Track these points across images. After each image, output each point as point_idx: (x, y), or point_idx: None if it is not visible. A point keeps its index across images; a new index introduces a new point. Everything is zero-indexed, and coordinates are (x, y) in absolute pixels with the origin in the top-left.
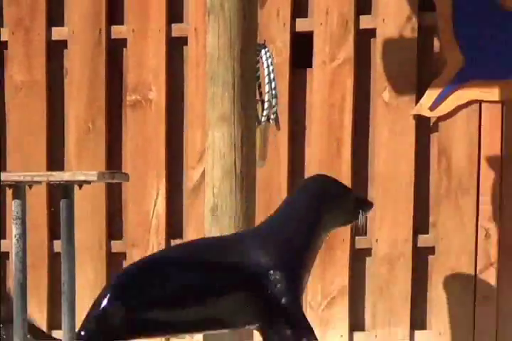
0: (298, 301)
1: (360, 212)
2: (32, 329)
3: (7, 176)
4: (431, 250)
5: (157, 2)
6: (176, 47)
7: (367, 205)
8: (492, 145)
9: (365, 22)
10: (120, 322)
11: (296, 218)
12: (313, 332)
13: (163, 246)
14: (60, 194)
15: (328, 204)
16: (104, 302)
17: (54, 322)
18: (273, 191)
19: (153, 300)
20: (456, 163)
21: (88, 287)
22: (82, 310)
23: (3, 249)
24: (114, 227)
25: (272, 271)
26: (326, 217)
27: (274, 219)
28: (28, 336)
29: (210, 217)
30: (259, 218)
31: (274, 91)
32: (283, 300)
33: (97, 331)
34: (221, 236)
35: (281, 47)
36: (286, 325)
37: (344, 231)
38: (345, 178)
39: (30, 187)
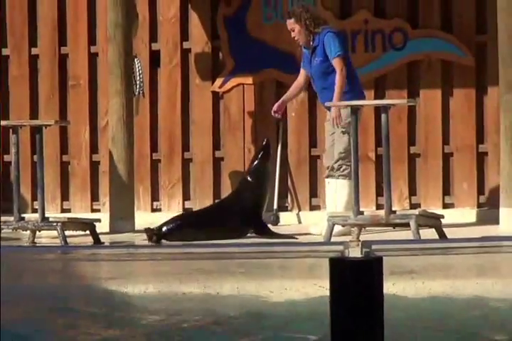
0: (260, 219)
1: None
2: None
3: (9, 122)
4: (222, 159)
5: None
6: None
7: None
8: (249, 105)
9: None
10: (177, 230)
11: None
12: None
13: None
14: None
15: None
16: (170, 221)
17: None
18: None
19: (191, 221)
20: (234, 117)
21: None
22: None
23: (6, 159)
24: (62, 147)
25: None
26: None
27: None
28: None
29: (111, 142)
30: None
31: (141, 79)
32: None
33: (168, 231)
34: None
35: (145, 57)
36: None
37: None
38: None
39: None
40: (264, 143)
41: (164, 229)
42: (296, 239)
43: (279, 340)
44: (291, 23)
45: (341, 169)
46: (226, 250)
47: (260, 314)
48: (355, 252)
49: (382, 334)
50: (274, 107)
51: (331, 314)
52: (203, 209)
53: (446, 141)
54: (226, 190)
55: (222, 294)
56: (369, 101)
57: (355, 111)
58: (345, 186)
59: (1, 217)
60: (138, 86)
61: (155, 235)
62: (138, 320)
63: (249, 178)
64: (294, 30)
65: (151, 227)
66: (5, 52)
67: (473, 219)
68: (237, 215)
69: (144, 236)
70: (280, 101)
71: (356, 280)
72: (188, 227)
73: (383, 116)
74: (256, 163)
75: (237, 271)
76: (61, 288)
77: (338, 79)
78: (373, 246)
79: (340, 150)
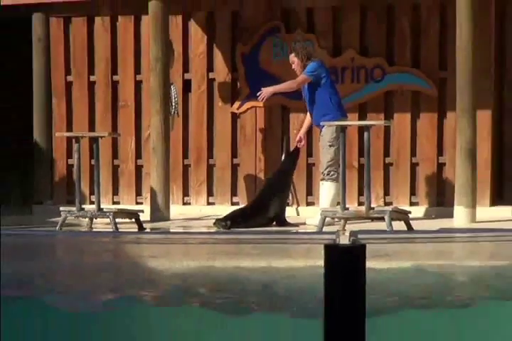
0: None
1: None
2: None
3: (72, 134)
4: (238, 165)
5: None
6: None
7: None
8: (260, 122)
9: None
10: (237, 219)
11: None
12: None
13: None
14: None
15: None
16: (232, 213)
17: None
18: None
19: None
20: (248, 132)
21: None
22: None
23: (70, 163)
24: (114, 153)
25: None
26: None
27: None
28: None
29: (152, 151)
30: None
31: (176, 102)
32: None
33: (231, 220)
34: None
35: (179, 85)
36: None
37: None
38: None
39: (82, 138)
40: (294, 149)
41: (229, 219)
42: (298, 226)
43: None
44: (292, 56)
45: (330, 174)
46: (244, 236)
47: (267, 285)
48: (344, 240)
49: (364, 301)
50: (297, 138)
51: (324, 287)
52: (250, 204)
53: (413, 153)
54: (241, 189)
55: (241, 269)
56: (355, 122)
57: (343, 129)
58: (334, 187)
59: (66, 207)
60: (173, 107)
61: (224, 224)
62: (174, 286)
63: (278, 178)
64: (293, 63)
65: (219, 219)
66: (69, 78)
67: (433, 214)
68: (273, 209)
69: (176, 223)
70: (301, 133)
71: (345, 262)
72: (244, 217)
73: (366, 133)
74: (285, 164)
75: (253, 253)
76: (112, 264)
77: (287, 82)
78: (359, 235)
79: (328, 159)
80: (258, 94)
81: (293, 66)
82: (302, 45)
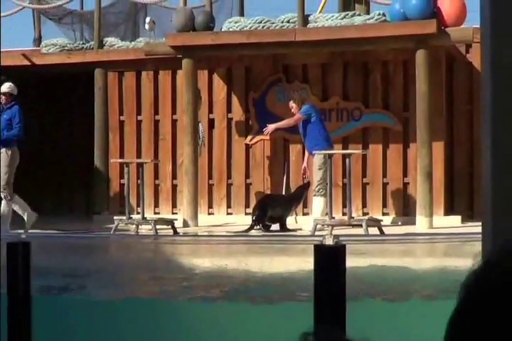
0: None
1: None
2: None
3: (123, 160)
4: (251, 184)
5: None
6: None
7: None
8: (268, 152)
9: None
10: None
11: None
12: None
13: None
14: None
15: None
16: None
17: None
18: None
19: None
20: (258, 158)
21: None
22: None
23: (122, 182)
24: (156, 175)
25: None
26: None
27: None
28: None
29: (184, 173)
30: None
31: (203, 136)
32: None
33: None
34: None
35: (205, 122)
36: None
37: None
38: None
39: (131, 163)
40: (306, 182)
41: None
42: (296, 231)
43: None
44: (291, 103)
45: (320, 191)
46: (252, 239)
47: (268, 279)
48: (329, 241)
49: (344, 289)
50: (302, 170)
51: (314, 279)
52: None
53: (384, 175)
54: (252, 202)
55: (249, 264)
56: (339, 151)
57: (330, 156)
58: (323, 201)
59: (118, 216)
60: (201, 140)
61: (266, 226)
62: (201, 276)
63: (293, 196)
64: (292, 107)
65: (265, 225)
66: (122, 118)
67: (400, 222)
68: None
69: (203, 229)
70: (304, 167)
71: (330, 259)
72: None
73: (347, 159)
74: (300, 191)
75: (260, 251)
76: (153, 260)
77: (286, 120)
78: (340, 238)
79: (318, 179)
80: (264, 129)
81: (292, 110)
82: (299, 94)
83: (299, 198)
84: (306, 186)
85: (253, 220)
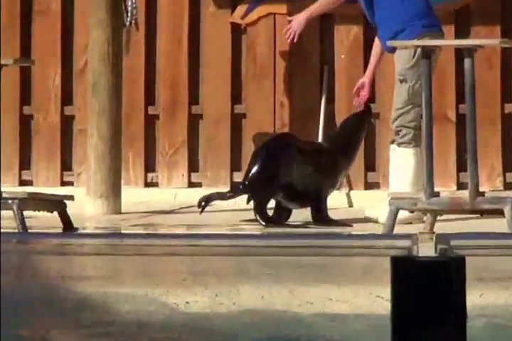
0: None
1: None
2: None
3: None
4: (244, 115)
5: None
6: None
7: None
8: (282, 43)
9: None
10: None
11: None
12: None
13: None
14: None
15: None
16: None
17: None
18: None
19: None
20: (261, 59)
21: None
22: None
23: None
24: (24, 95)
25: None
26: None
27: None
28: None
29: (91, 89)
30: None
31: (134, 4)
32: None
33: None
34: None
35: None
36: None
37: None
38: None
39: None
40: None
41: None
42: (351, 226)
43: None
44: None
45: (400, 134)
46: (259, 243)
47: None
48: (427, 249)
49: None
50: (358, 84)
51: (392, 333)
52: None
53: None
54: (248, 157)
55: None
56: (448, 41)
57: (427, 53)
58: (412, 156)
59: None
60: (129, 13)
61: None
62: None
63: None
64: None
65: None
66: None
67: None
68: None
69: (132, 220)
70: (367, 76)
71: (428, 287)
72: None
73: (467, 60)
74: (353, 127)
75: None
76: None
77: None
78: (452, 242)
79: (398, 105)
80: (284, 31)
81: None
82: None
83: (353, 146)
84: (365, 116)
85: (240, 195)
